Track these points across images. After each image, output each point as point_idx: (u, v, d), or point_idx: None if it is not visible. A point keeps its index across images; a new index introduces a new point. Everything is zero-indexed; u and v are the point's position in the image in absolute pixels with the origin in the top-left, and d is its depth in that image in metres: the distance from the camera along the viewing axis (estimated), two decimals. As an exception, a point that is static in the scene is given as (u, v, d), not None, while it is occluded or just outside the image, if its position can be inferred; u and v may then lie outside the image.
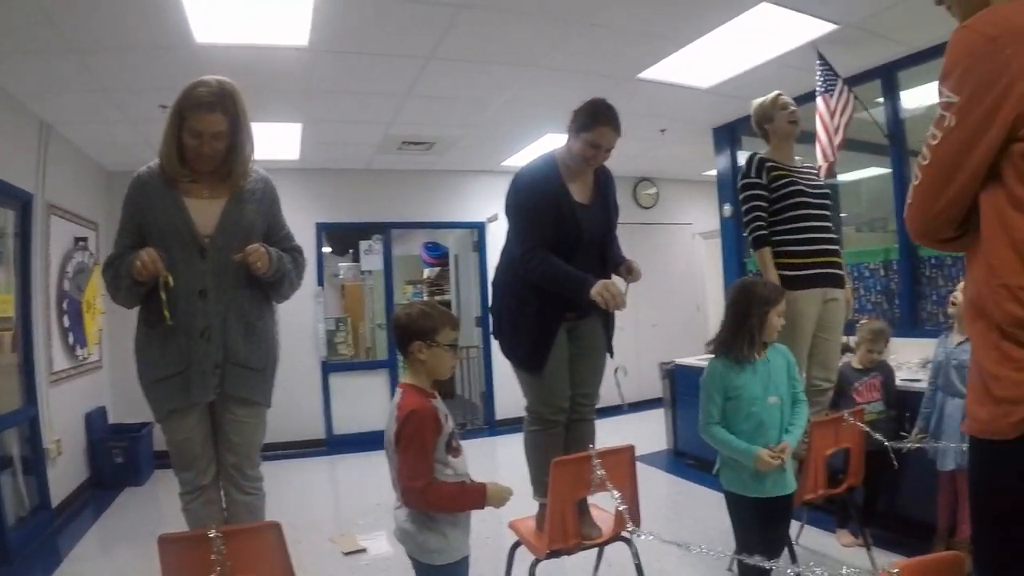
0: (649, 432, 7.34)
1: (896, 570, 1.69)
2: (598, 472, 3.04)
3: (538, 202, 3.32)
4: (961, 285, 3.88)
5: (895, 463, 3.80)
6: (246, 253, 2.84)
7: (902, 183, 5.52)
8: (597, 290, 3.07)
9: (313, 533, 5.14)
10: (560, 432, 3.47)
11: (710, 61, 5.36)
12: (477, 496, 2.55)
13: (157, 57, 4.61)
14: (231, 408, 2.97)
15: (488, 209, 9.13)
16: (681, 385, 6.69)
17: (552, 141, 7.03)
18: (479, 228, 9.33)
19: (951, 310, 4.09)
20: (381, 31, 4.54)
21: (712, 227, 8.93)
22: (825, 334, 4.02)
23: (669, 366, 6.93)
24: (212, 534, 2.22)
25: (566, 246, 3.31)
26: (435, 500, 2.47)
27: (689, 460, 6.49)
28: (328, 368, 8.55)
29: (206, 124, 2.78)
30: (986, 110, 1.46)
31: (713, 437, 3.17)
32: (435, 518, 2.51)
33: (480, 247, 9.36)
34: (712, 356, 3.29)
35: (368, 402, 8.46)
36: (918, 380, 4.44)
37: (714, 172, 8.04)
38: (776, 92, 4.08)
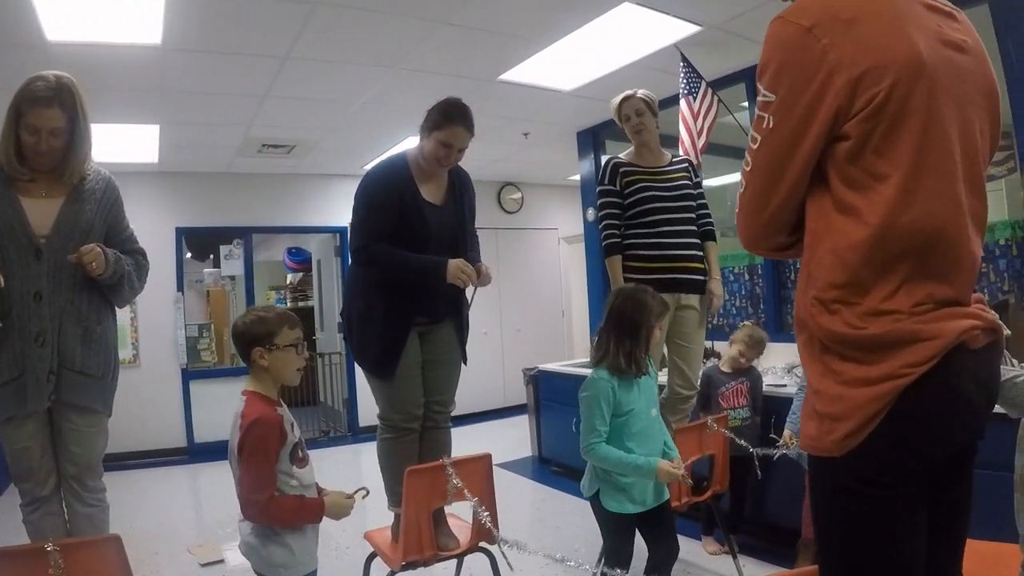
0: (513, 438, 7.30)
1: None
2: (453, 481, 2.96)
3: (382, 199, 3.25)
4: None
5: (759, 473, 3.80)
6: (80, 253, 2.71)
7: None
8: (452, 268, 3.07)
9: (172, 543, 4.91)
10: (414, 440, 3.39)
11: (573, 63, 5.33)
12: (316, 510, 2.47)
13: (7, 55, 4.36)
14: (69, 417, 2.81)
15: (350, 213, 8.83)
16: (545, 391, 6.62)
17: (413, 144, 6.87)
18: (341, 233, 9.10)
19: None
20: (235, 29, 4.34)
21: (576, 232, 8.97)
22: (684, 341, 4.01)
23: (532, 372, 6.85)
24: (49, 547, 2.07)
25: (415, 245, 3.24)
26: (276, 514, 2.37)
27: (554, 467, 6.42)
28: (189, 376, 8.19)
29: (43, 120, 2.67)
30: (805, 107, 1.36)
31: (604, 457, 2.94)
32: (280, 531, 2.40)
33: (343, 252, 9.15)
34: (595, 368, 3.10)
35: (231, 409, 8.04)
36: (784, 385, 4.42)
37: (578, 177, 8.07)
38: (622, 97, 4.01)
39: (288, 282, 11.99)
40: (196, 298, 8.93)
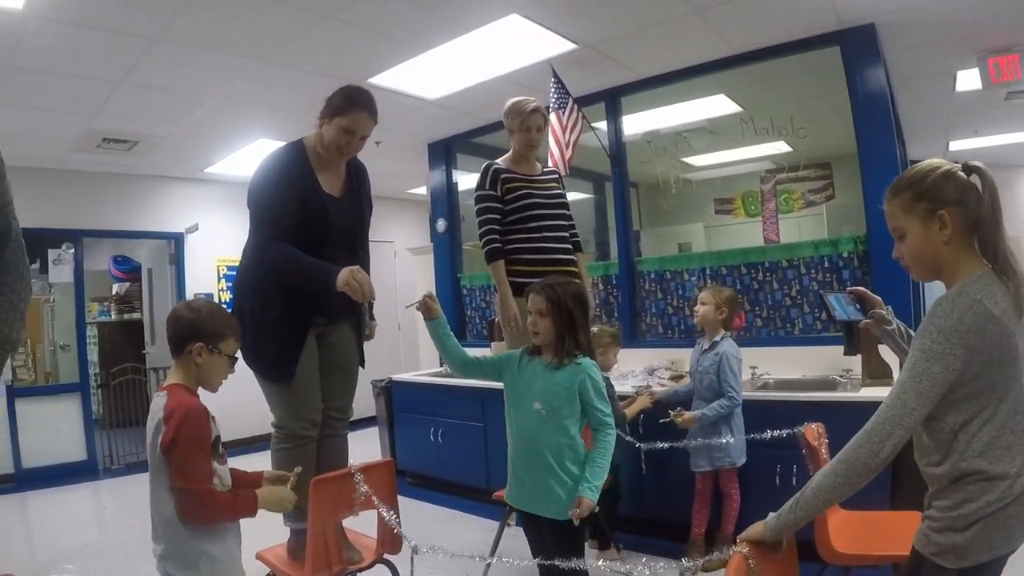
0: (363, 452, 7.11)
1: (746, 549, 1.75)
2: (362, 489, 2.84)
3: (282, 191, 3.07)
4: (702, 296, 4.13)
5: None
6: None
7: (622, 204, 5.86)
8: (344, 279, 2.86)
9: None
10: (313, 449, 3.24)
11: (442, 71, 5.31)
12: (249, 503, 2.31)
13: None
14: None
15: (188, 219, 8.49)
16: (399, 402, 6.53)
17: (265, 147, 6.58)
18: (177, 239, 8.60)
19: (696, 320, 4.29)
20: (109, 1, 3.89)
21: (421, 243, 8.89)
22: None
23: (384, 383, 6.74)
24: None
25: (314, 240, 3.09)
26: (214, 508, 2.21)
27: (409, 478, 6.34)
28: (14, 393, 7.33)
29: None
30: None
31: None
32: (203, 545, 2.20)
33: (178, 259, 8.62)
34: None
35: (61, 431, 7.54)
36: (647, 386, 4.70)
37: (419, 189, 7.95)
38: (530, 107, 3.98)
39: (113, 293, 10.99)
40: (5, 310, 8.09)
